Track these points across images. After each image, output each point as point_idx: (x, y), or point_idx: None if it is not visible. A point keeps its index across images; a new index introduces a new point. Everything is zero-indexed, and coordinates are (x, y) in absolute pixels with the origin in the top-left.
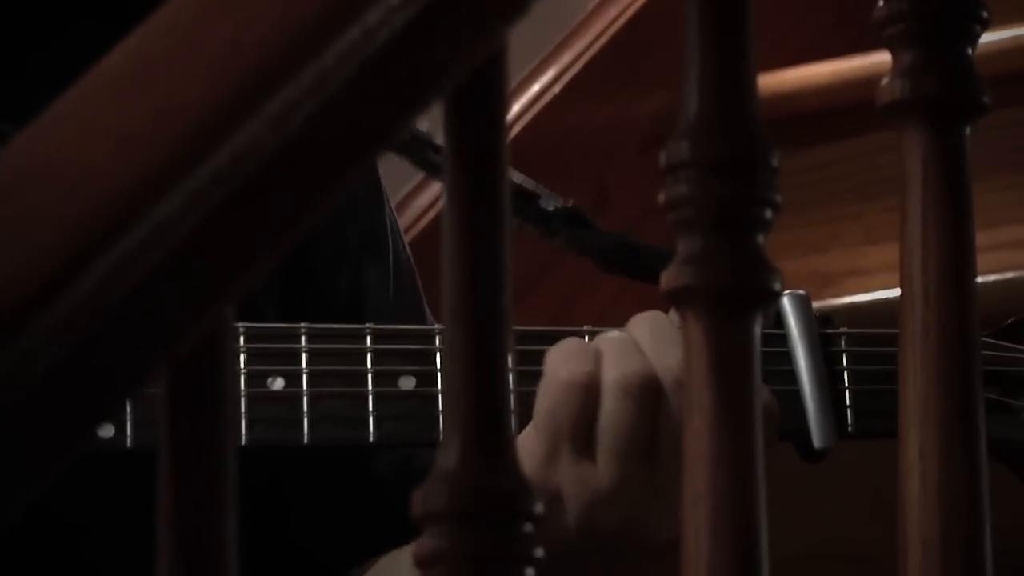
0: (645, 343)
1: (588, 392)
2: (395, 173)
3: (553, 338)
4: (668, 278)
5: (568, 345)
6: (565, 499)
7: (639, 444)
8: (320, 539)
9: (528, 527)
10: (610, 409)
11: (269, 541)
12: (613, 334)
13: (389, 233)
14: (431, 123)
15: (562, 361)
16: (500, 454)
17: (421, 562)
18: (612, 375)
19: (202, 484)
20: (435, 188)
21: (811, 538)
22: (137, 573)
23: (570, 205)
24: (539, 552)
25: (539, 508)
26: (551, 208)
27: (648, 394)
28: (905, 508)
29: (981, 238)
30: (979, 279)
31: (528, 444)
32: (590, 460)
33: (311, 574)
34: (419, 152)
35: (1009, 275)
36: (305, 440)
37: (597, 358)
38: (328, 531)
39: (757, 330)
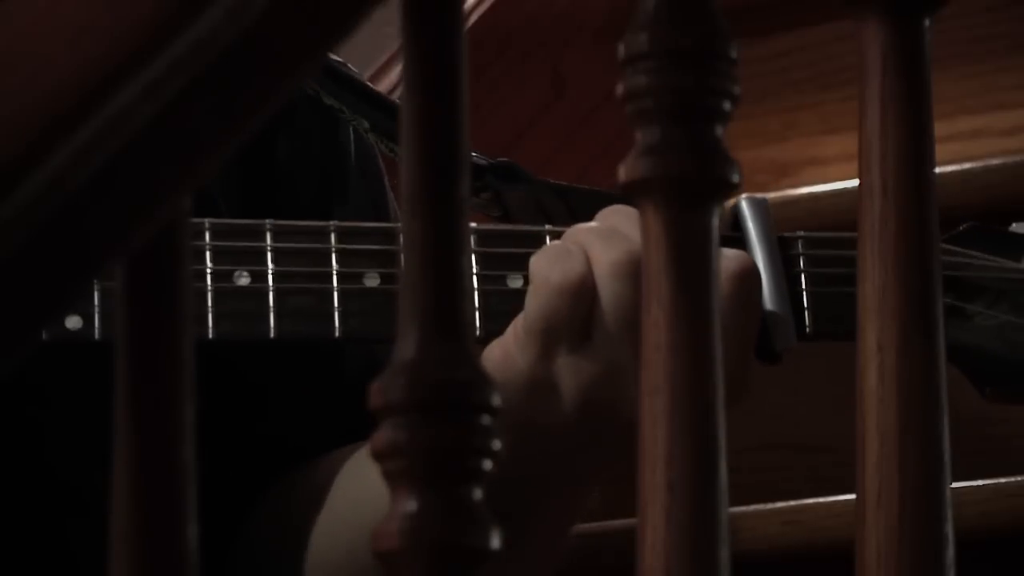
0: (623, 226)
1: (582, 292)
2: (355, 59)
3: (512, 237)
4: (626, 170)
5: (553, 248)
6: (562, 389)
7: (634, 323)
8: (294, 427)
9: (486, 419)
10: (608, 296)
11: (245, 427)
12: (589, 225)
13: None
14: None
15: (550, 265)
16: (458, 345)
17: (379, 454)
18: (604, 264)
19: (159, 375)
20: (394, 74)
21: (768, 428)
22: (94, 464)
23: (505, 160)
24: (497, 444)
25: (497, 400)
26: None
27: (638, 272)
28: (863, 400)
29: (939, 128)
30: (937, 170)
31: (519, 344)
32: (584, 348)
33: (285, 459)
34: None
35: (967, 165)
36: (272, 334)
37: (583, 253)
38: (301, 421)
39: (715, 221)
